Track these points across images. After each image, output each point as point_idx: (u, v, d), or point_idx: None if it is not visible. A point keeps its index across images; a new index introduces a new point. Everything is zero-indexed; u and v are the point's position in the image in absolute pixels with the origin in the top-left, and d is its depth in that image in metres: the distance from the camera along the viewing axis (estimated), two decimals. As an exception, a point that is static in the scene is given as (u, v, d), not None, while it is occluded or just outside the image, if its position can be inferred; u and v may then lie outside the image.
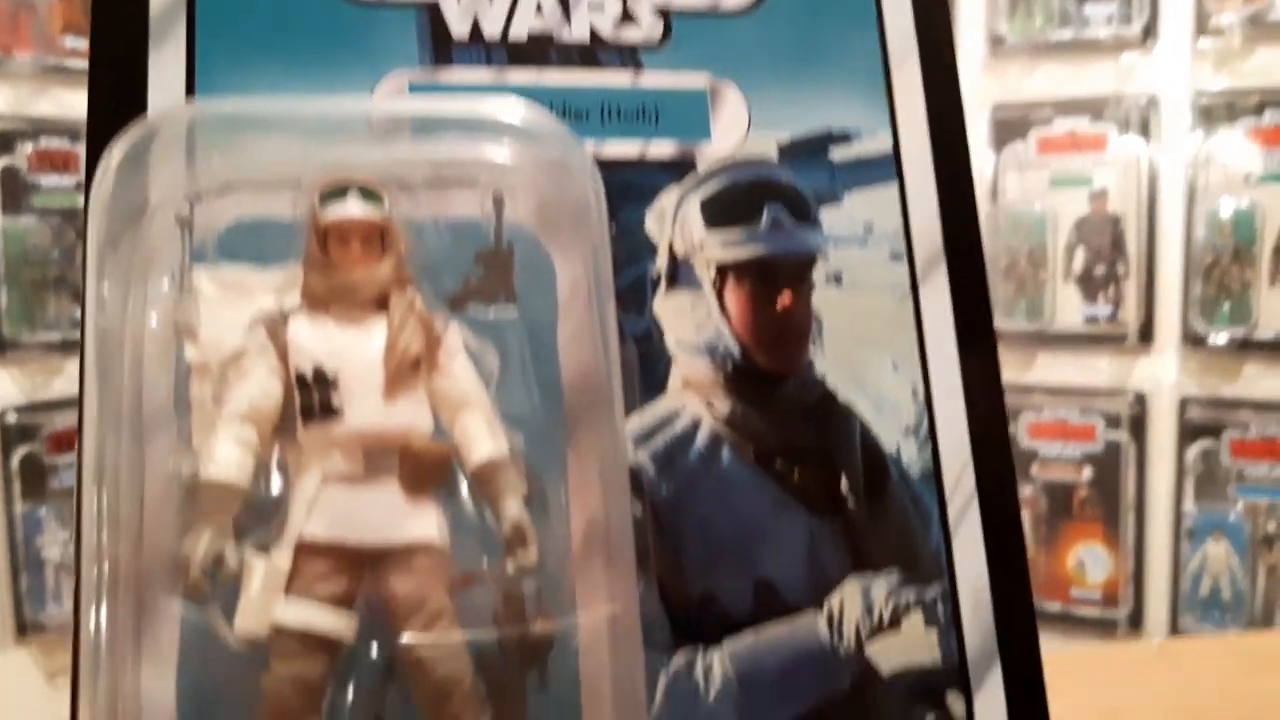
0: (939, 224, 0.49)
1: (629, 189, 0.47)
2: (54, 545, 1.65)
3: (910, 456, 0.47)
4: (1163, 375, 1.97)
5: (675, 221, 0.47)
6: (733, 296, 0.47)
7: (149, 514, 0.40)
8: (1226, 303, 1.92)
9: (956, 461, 0.47)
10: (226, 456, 0.37)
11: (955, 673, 0.45)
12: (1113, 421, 2.00)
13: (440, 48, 0.47)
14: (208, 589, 0.36)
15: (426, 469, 0.38)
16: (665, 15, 0.49)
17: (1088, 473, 2.03)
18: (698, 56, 0.49)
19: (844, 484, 0.47)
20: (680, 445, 0.46)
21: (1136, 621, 1.96)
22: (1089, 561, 2.03)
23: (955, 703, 0.45)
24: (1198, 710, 0.67)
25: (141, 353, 0.40)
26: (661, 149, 0.48)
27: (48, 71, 1.63)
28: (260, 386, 0.38)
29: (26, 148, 1.64)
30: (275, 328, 0.39)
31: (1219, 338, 1.91)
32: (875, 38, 0.51)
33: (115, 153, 0.40)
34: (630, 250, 0.47)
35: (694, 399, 0.46)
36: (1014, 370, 2.02)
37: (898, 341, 0.48)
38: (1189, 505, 1.96)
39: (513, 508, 0.38)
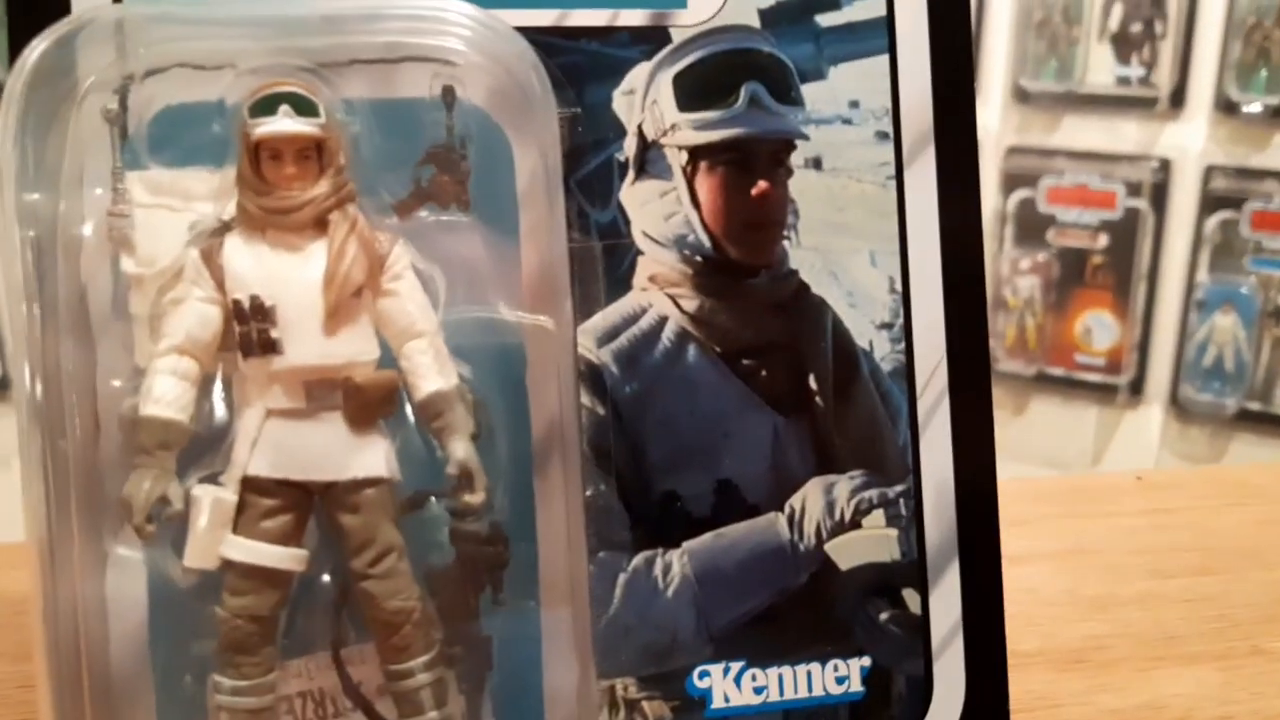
0: (930, 99, 0.46)
1: (596, 64, 0.44)
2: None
3: (883, 352, 0.46)
4: (1190, 142, 1.91)
5: (645, 101, 0.44)
6: (705, 183, 0.44)
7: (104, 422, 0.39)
8: (1264, 69, 1.83)
9: (930, 357, 0.46)
10: (165, 392, 0.36)
11: (913, 570, 0.46)
12: (1134, 189, 1.96)
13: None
14: (153, 530, 0.36)
15: (372, 402, 0.37)
16: None
17: (1104, 240, 2.00)
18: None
19: (812, 382, 0.45)
20: (645, 344, 0.44)
21: (1137, 388, 1.98)
22: (1096, 328, 2.04)
23: (911, 599, 0.46)
24: (1164, 550, 0.68)
25: (78, 261, 0.39)
26: (632, 17, 0.44)
27: None
28: (197, 316, 0.36)
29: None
30: (210, 251, 0.37)
31: (1252, 105, 1.84)
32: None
33: (37, 49, 0.37)
34: (596, 133, 0.44)
35: (660, 296, 0.44)
36: (1039, 133, 1.96)
37: (878, 230, 0.46)
38: (1202, 276, 1.94)
39: (459, 449, 0.37)
